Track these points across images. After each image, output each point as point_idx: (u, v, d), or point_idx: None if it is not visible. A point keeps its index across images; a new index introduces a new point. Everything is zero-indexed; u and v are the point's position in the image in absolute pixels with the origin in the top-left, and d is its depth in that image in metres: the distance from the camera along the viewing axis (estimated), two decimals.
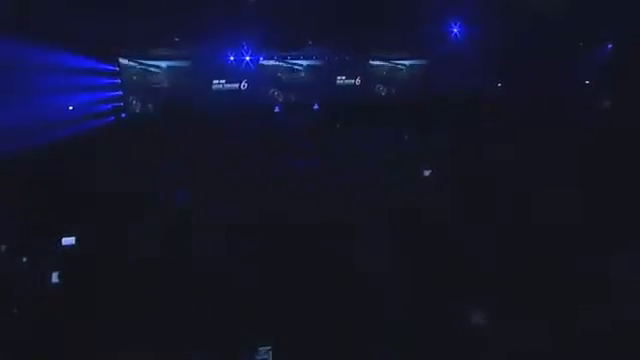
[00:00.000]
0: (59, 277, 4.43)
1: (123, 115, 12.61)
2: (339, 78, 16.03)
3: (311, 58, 15.46)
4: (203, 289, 4.32)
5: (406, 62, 16.78)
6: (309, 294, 4.04)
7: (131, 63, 12.82)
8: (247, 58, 14.17)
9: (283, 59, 15.18)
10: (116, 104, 12.26)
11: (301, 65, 15.55)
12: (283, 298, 4.01)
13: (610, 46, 11.94)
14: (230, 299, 4.17)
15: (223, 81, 14.70)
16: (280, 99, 15.36)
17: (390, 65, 16.70)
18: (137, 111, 13.08)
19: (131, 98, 12.95)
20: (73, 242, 5.86)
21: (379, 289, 4.18)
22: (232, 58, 14.17)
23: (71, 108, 10.37)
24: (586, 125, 10.63)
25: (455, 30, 11.60)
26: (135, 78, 13.05)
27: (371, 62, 16.26)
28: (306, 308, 3.86)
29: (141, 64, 13.11)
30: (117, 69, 12.39)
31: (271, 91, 15.30)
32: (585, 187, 6.48)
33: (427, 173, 7.61)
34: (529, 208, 5.72)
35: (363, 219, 5.59)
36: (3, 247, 5.07)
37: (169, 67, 13.79)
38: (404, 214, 5.66)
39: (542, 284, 4.17)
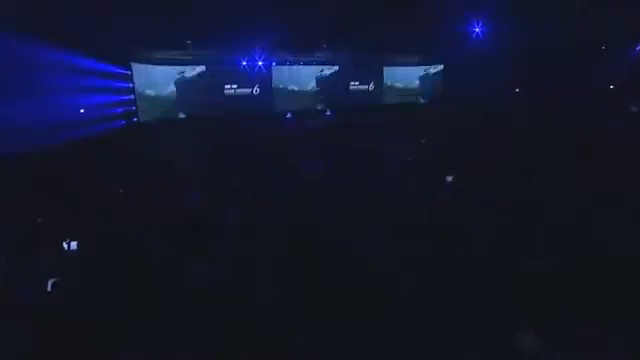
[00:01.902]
0: (53, 286, 4.14)
1: (135, 119, 12.50)
2: (352, 84, 15.86)
3: (324, 63, 15.29)
4: (217, 299, 4.04)
5: (423, 67, 16.51)
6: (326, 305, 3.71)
7: (143, 66, 12.76)
8: (260, 63, 14.05)
9: (296, 64, 15.05)
10: (128, 108, 12.15)
11: (314, 70, 15.39)
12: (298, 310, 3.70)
13: (639, 47, 11.41)
14: (243, 310, 3.86)
15: (235, 86, 14.62)
16: (292, 104, 15.20)
17: (406, 70, 16.44)
18: (149, 115, 12.98)
19: (143, 102, 12.87)
20: (75, 247, 5.56)
21: (399, 298, 3.85)
22: (244, 63, 14.09)
23: (82, 111, 10.25)
24: (611, 130, 10.12)
25: (476, 32, 11.17)
26: (147, 82, 12.99)
27: (386, 67, 16.20)
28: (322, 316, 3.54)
29: (153, 68, 13.06)
30: (129, 72, 12.31)
31: (283, 96, 15.15)
32: (612, 190, 6.08)
33: (450, 179, 7.22)
34: (558, 214, 5.33)
35: (382, 224, 5.27)
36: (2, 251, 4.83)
37: (181, 71, 13.75)
38: (425, 220, 5.31)
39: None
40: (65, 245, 5.50)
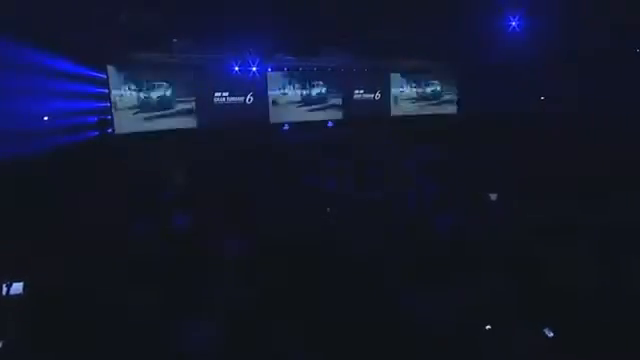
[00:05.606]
0: None
1: (110, 130, 10.95)
2: (357, 92, 14.67)
3: (325, 70, 14.09)
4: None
5: (435, 74, 15.48)
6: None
7: (121, 70, 11.26)
8: (253, 68, 12.74)
9: (294, 70, 13.80)
10: (101, 117, 10.59)
11: (314, 77, 14.17)
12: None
13: None
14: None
15: (226, 94, 13.24)
16: (290, 115, 13.90)
17: (417, 78, 15.38)
18: (126, 126, 11.41)
19: (120, 111, 11.33)
20: (20, 290, 4.27)
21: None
22: (237, 68, 12.75)
23: (46, 118, 8.70)
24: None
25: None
26: (126, 88, 11.48)
27: (394, 74, 15.00)
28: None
29: (133, 72, 11.56)
30: (105, 76, 10.80)
31: (280, 106, 13.85)
32: None
33: (494, 197, 5.98)
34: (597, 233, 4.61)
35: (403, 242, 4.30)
36: None
37: (164, 77, 12.29)
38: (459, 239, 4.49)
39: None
40: (5, 287, 4.04)
